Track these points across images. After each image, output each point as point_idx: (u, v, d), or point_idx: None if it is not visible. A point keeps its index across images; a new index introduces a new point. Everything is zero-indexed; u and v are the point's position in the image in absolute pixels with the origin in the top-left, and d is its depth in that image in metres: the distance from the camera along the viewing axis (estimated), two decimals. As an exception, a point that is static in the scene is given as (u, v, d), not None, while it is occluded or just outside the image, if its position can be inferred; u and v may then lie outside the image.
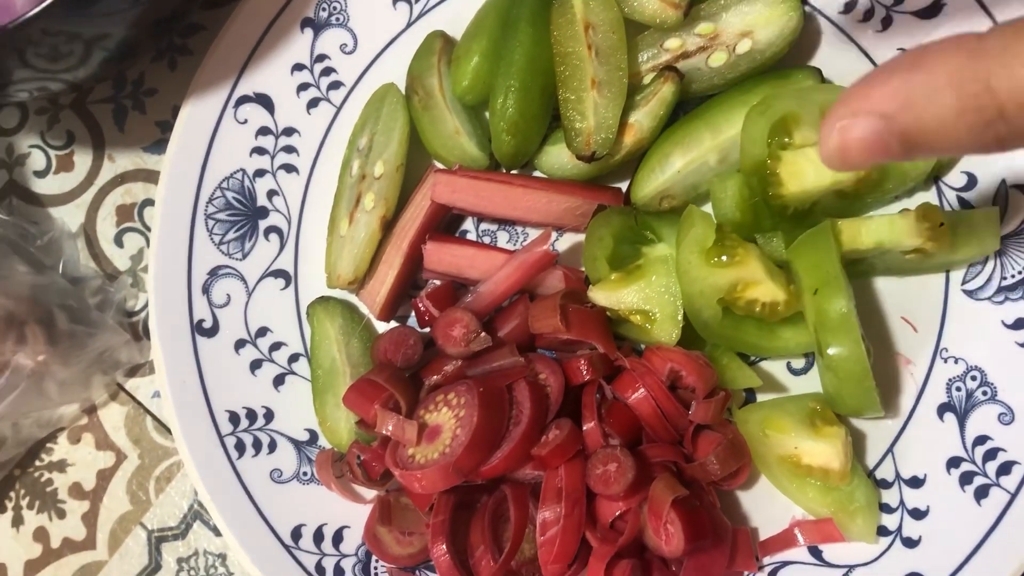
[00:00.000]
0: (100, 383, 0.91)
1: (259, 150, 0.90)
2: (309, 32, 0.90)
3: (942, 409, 0.79)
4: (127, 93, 0.97)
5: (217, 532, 0.90)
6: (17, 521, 0.92)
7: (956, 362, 0.79)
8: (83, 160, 0.97)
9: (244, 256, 0.88)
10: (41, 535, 0.92)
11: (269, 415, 0.86)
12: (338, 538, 0.83)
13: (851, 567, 0.77)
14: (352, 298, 0.88)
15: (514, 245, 0.88)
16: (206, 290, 0.87)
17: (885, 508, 0.78)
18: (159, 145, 0.96)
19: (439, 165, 0.88)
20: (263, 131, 0.90)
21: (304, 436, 0.86)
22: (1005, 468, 0.76)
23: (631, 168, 0.84)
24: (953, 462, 0.77)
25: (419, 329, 0.84)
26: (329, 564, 0.82)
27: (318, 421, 0.85)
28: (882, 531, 0.77)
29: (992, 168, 0.80)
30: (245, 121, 0.89)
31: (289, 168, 0.90)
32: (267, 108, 0.90)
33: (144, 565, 0.90)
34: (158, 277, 0.86)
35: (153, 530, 0.91)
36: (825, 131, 0.49)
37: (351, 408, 0.81)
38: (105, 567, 0.91)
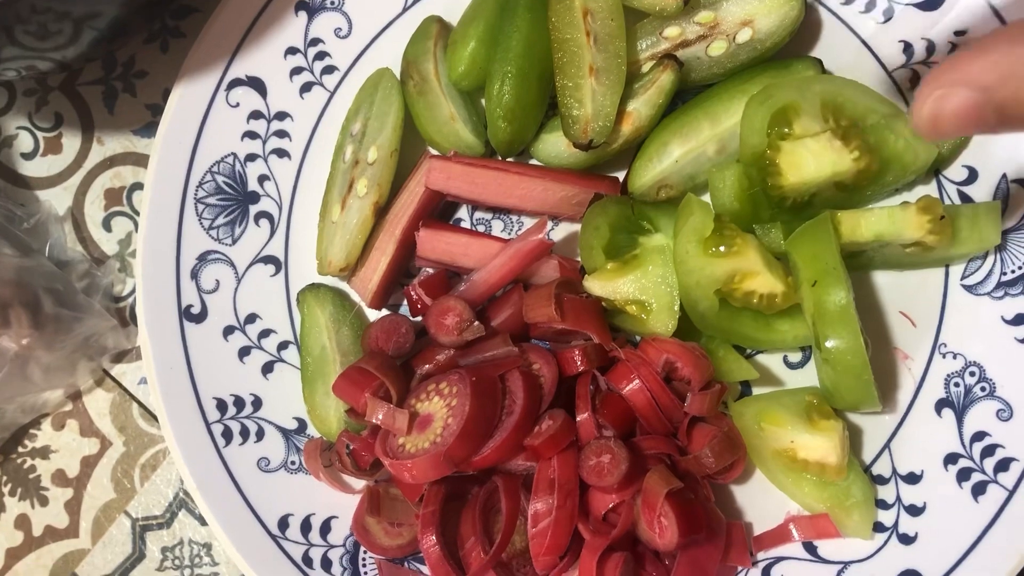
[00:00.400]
0: (85, 369, 0.90)
1: (251, 134, 0.88)
2: (303, 15, 0.88)
3: (940, 405, 0.78)
4: (117, 75, 0.95)
5: (203, 521, 0.89)
6: (-1, 508, 0.91)
7: (955, 357, 0.78)
8: (71, 143, 0.96)
9: (234, 241, 0.87)
10: (23, 522, 0.90)
11: (257, 403, 0.84)
12: (326, 528, 0.82)
13: (846, 563, 0.76)
14: (343, 285, 0.87)
15: (509, 234, 0.87)
16: (195, 275, 0.86)
17: (881, 504, 0.77)
18: (149, 128, 0.95)
19: (434, 151, 0.86)
20: (255, 115, 0.88)
21: (292, 425, 0.85)
22: (1003, 465, 0.75)
23: (628, 157, 0.83)
24: (951, 458, 0.76)
25: (411, 318, 0.83)
26: (316, 555, 0.81)
27: (307, 409, 0.84)
28: (878, 527, 0.76)
29: (993, 162, 0.79)
30: (237, 105, 0.88)
31: (281, 153, 0.88)
32: (259, 92, 0.88)
33: (128, 554, 0.89)
34: (146, 261, 0.85)
35: (137, 518, 0.89)
36: (919, 100, 0.49)
37: (341, 396, 0.79)
38: (88, 556, 0.89)
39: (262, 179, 0.88)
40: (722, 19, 0.81)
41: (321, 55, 0.89)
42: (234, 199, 0.87)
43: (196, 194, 0.87)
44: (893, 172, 0.78)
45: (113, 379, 0.92)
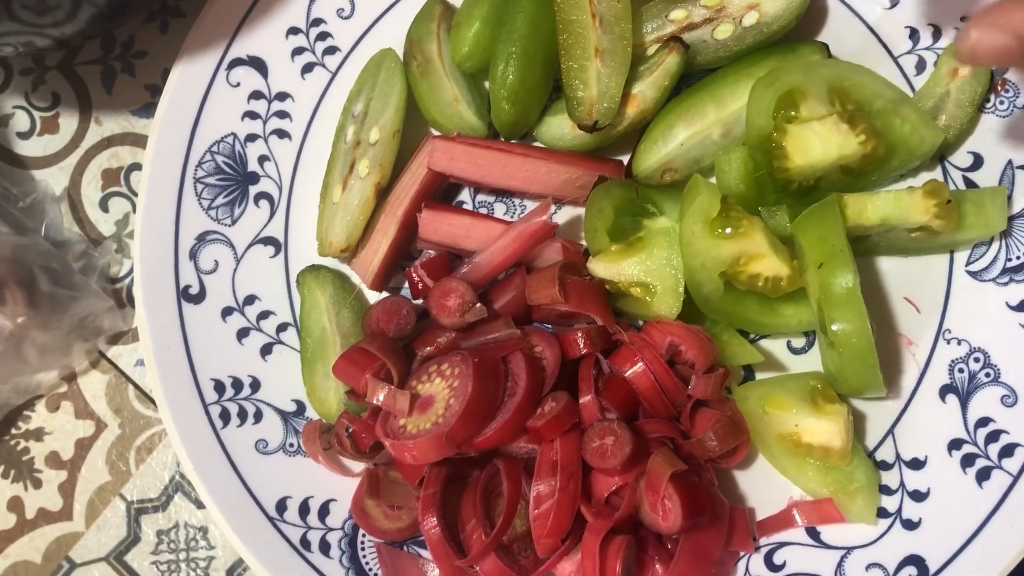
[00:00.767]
0: (81, 350, 0.89)
1: (251, 114, 0.87)
2: (306, -5, 0.88)
3: (944, 390, 0.77)
4: (116, 55, 0.94)
5: (199, 504, 0.88)
6: (-9, 491, 0.89)
7: (959, 343, 0.78)
8: (68, 122, 0.95)
9: (233, 222, 0.86)
10: (16, 505, 0.89)
11: (255, 384, 0.83)
12: (324, 511, 0.81)
13: (849, 549, 0.76)
14: (344, 267, 0.86)
15: (512, 217, 0.86)
16: (193, 256, 0.85)
17: (885, 490, 0.77)
18: (148, 109, 0.94)
19: (436, 133, 0.86)
20: (256, 95, 0.87)
21: (291, 407, 0.84)
22: (1007, 450, 0.74)
23: (633, 140, 0.83)
24: (955, 444, 0.76)
25: (412, 300, 0.82)
26: (315, 538, 0.80)
27: (306, 391, 0.83)
28: (882, 513, 0.76)
29: (998, 149, 0.79)
30: (238, 84, 0.87)
31: (282, 133, 0.88)
32: (260, 72, 0.88)
33: (122, 537, 0.88)
34: (144, 240, 0.84)
35: (132, 501, 0.88)
36: (964, 33, 0.61)
37: (341, 378, 0.79)
38: (82, 539, 0.88)
39: (262, 160, 0.87)
40: (728, 2, 0.81)
41: (323, 35, 0.88)
42: (234, 179, 0.87)
43: (195, 174, 0.86)
44: (899, 157, 0.77)
45: (109, 361, 0.91)
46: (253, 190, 0.87)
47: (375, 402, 0.75)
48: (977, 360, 0.77)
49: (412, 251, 0.86)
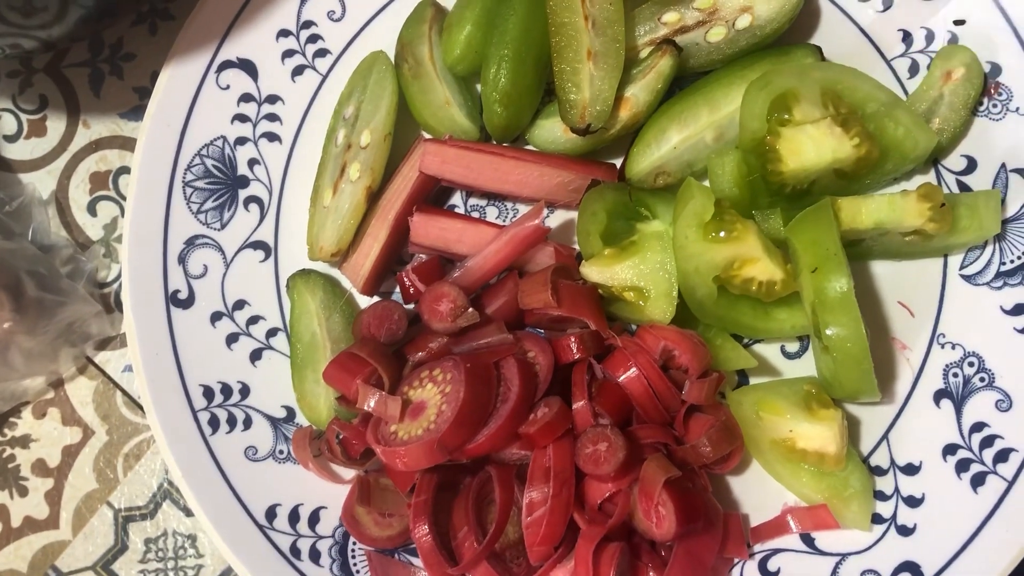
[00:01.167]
0: (68, 355, 0.88)
1: (241, 117, 0.86)
2: (296, -3, 0.87)
3: (939, 395, 0.77)
4: (104, 57, 0.94)
5: (188, 512, 0.87)
6: (-24, 499, 0.88)
7: (953, 348, 0.78)
8: (56, 125, 0.94)
9: (223, 226, 0.85)
10: (1, 513, 0.88)
11: (245, 391, 0.83)
12: (314, 519, 0.80)
13: (844, 555, 0.75)
14: (334, 271, 0.85)
15: (504, 221, 0.85)
16: (182, 260, 0.84)
17: (879, 495, 0.76)
18: (136, 112, 0.93)
19: (428, 136, 0.85)
20: (245, 98, 0.87)
21: (281, 413, 0.83)
22: (1002, 455, 0.74)
23: (625, 144, 0.82)
24: (949, 449, 0.76)
25: (404, 304, 0.81)
26: (304, 545, 0.79)
27: (296, 397, 0.82)
28: (876, 519, 0.75)
29: (992, 152, 0.79)
30: (227, 87, 0.86)
31: (272, 137, 0.87)
32: (250, 74, 0.87)
33: (110, 546, 0.87)
34: (133, 244, 0.83)
35: (120, 509, 0.87)
36: None
37: (331, 383, 0.78)
38: (68, 547, 0.87)
39: (252, 163, 0.86)
40: (721, 5, 0.80)
41: (314, 38, 0.87)
42: (223, 183, 0.86)
43: (184, 177, 0.85)
44: (893, 160, 0.77)
45: (97, 367, 0.89)
46: (243, 194, 0.86)
47: (366, 408, 0.74)
48: (971, 364, 0.77)
49: (403, 255, 0.85)
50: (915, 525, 0.75)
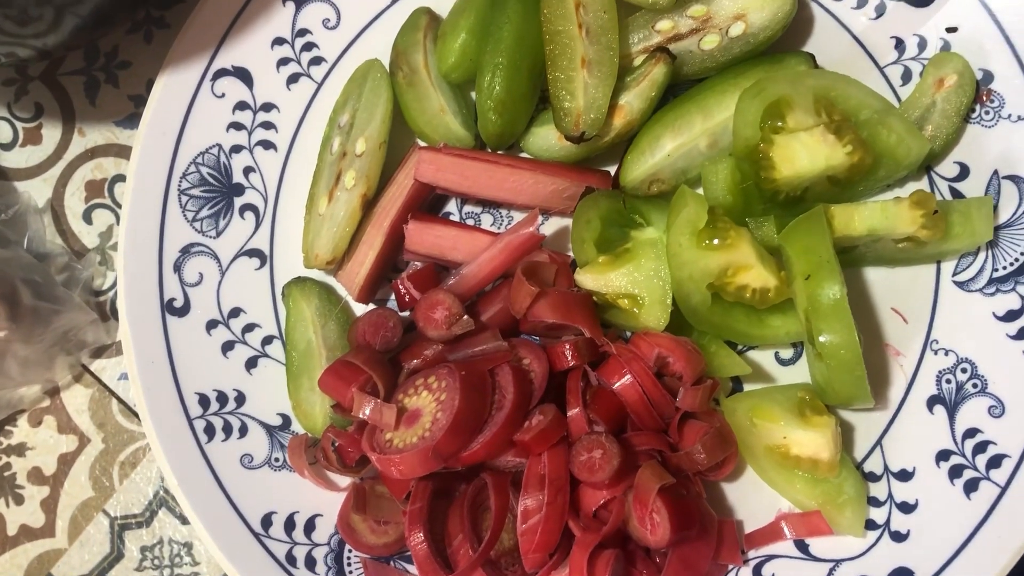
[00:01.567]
0: (64, 363, 0.88)
1: (236, 125, 0.87)
2: (291, 5, 0.87)
3: (932, 401, 0.77)
4: (100, 65, 0.94)
5: (183, 520, 0.87)
6: (-28, 507, 0.88)
7: (946, 354, 0.78)
8: (52, 133, 0.94)
9: (218, 234, 0.85)
10: (-3, 521, 0.88)
11: (240, 398, 0.83)
12: (310, 527, 0.80)
13: (838, 561, 0.75)
14: (330, 279, 0.85)
15: (499, 228, 0.85)
16: (178, 268, 0.84)
17: (873, 501, 0.76)
18: (132, 120, 0.93)
19: (423, 143, 0.85)
20: (241, 106, 0.87)
21: (276, 421, 0.83)
22: (995, 461, 0.74)
23: (620, 151, 0.83)
24: (943, 455, 0.76)
25: (399, 312, 0.81)
26: (300, 553, 0.79)
27: (292, 405, 0.82)
28: (870, 525, 0.76)
29: (985, 159, 0.79)
30: (222, 95, 0.86)
31: (267, 144, 0.87)
32: (245, 82, 0.87)
33: (106, 554, 0.87)
34: (128, 252, 0.83)
35: (116, 517, 0.87)
36: None
37: (327, 391, 0.78)
38: (64, 556, 0.87)
39: (247, 171, 0.86)
40: (715, 13, 0.81)
41: (309, 46, 0.88)
42: (219, 191, 0.86)
43: (180, 185, 0.85)
44: (886, 167, 0.77)
45: (92, 375, 0.90)
46: (238, 202, 0.86)
47: (361, 416, 0.74)
48: (964, 371, 0.77)
49: (399, 263, 0.85)
50: (908, 531, 0.75)
